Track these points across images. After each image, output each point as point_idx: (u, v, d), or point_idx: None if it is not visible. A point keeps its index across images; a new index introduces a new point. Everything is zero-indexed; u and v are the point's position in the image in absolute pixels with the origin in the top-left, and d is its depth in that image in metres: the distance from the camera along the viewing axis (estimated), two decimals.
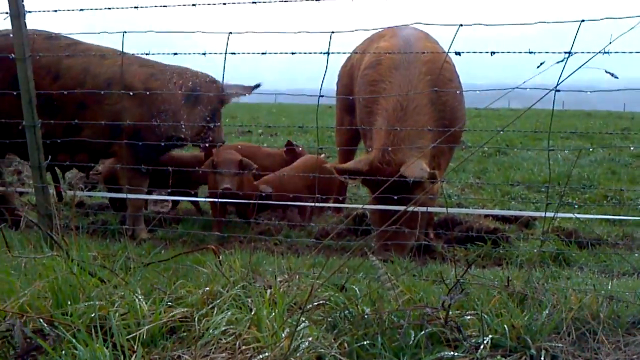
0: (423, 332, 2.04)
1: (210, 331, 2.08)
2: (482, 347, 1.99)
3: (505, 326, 2.13)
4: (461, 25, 2.72)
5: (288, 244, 4.39)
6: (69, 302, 2.24)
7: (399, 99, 4.11)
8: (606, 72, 2.24)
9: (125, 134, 4.17)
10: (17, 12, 3.29)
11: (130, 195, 4.22)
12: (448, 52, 2.71)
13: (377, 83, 4.38)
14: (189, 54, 3.11)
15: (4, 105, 4.08)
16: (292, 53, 2.96)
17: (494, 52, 2.82)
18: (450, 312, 2.11)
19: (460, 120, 4.37)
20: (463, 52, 2.81)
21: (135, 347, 1.99)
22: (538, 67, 2.23)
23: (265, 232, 4.75)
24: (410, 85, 4.15)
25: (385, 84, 4.30)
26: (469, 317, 2.23)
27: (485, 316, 2.18)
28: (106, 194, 4.95)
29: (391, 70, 4.34)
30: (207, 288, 2.45)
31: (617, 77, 2.25)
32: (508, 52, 2.94)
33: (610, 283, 2.91)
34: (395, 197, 3.55)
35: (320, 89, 2.88)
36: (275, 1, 2.89)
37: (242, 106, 27.48)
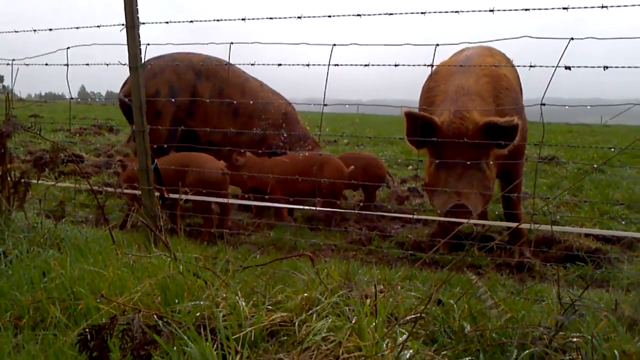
0: (527, 351, 1.98)
1: (311, 337, 2.10)
2: None
3: (616, 352, 2.03)
4: (572, 38, 2.64)
5: (380, 254, 4.39)
6: (177, 301, 2.34)
7: (463, 85, 4.11)
8: None
9: None
10: (132, 23, 3.48)
11: (231, 200, 4.35)
12: (557, 65, 2.63)
13: (432, 89, 4.42)
14: (293, 64, 3.18)
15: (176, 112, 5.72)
16: (396, 65, 2.96)
17: (607, 67, 2.71)
18: (557, 333, 2.04)
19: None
20: (574, 67, 2.71)
21: (239, 347, 2.04)
22: None
23: (357, 241, 4.76)
24: (467, 82, 4.14)
25: (441, 86, 4.33)
26: (575, 340, 2.15)
27: (593, 340, 2.09)
28: (203, 198, 5.11)
29: (447, 77, 4.36)
30: (306, 294, 2.47)
31: None
32: (622, 67, 2.82)
33: None
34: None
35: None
36: (380, 14, 2.91)
37: (325, 117, 27.74)
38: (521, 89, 4.88)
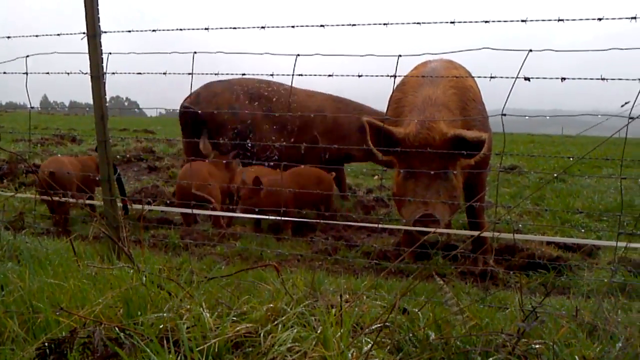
0: (490, 359, 2.00)
1: (276, 348, 2.09)
2: None
3: (576, 357, 2.07)
4: (531, 50, 2.69)
5: (346, 263, 4.39)
6: (139, 313, 2.30)
7: (430, 95, 4.17)
8: None
9: None
10: (93, 32, 3.42)
11: (196, 211, 4.31)
12: (517, 76, 2.68)
13: (400, 100, 4.47)
14: (257, 74, 3.17)
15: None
16: (359, 76, 2.97)
17: (565, 78, 2.77)
18: (519, 340, 2.07)
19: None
20: (532, 78, 2.76)
21: (203, 359, 2.02)
22: (622, 106, 2.19)
23: (323, 251, 4.76)
24: (435, 93, 4.19)
25: (409, 97, 4.39)
26: (537, 346, 2.18)
27: (555, 346, 2.12)
28: (169, 209, 5.06)
29: (415, 87, 4.42)
30: (271, 305, 2.46)
31: None
32: (579, 79, 2.89)
33: None
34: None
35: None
36: (343, 25, 2.93)
37: None
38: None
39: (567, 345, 2.18)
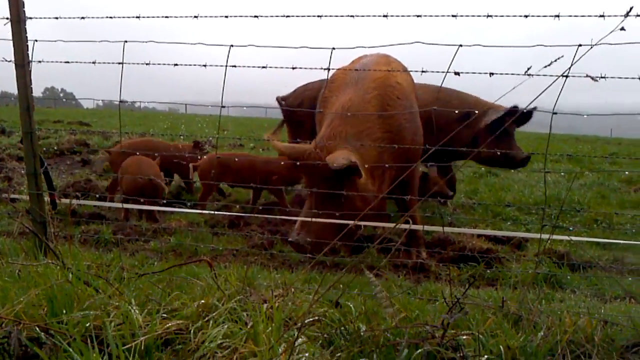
0: (419, 350, 2.04)
1: (207, 344, 2.07)
2: None
3: (501, 347, 2.13)
4: (461, 45, 2.75)
5: (282, 258, 4.38)
6: (64, 311, 2.23)
7: (345, 104, 4.24)
8: (587, 75, 2.28)
9: None
10: (17, 17, 3.28)
11: (126, 205, 4.21)
12: (447, 71, 2.73)
13: (326, 100, 4.56)
14: (190, 65, 3.11)
15: None
16: (293, 68, 2.96)
17: (493, 73, 2.84)
18: (446, 332, 2.12)
19: (409, 140, 4.39)
20: (462, 72, 2.83)
21: (131, 358, 1.97)
22: (525, 73, 2.28)
23: (258, 245, 4.74)
24: (356, 96, 4.27)
25: (334, 98, 4.47)
26: (464, 337, 2.23)
27: (481, 336, 2.18)
28: (99, 203, 4.93)
29: (341, 86, 4.49)
30: (203, 301, 2.43)
31: (597, 80, 2.30)
32: (506, 74, 2.96)
33: (603, 307, 2.92)
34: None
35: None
36: (277, 16, 2.91)
37: (232, 120, 27.49)
38: (416, 96, 5.06)
39: (493, 336, 2.24)
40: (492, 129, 5.82)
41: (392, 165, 4.05)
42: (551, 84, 2.32)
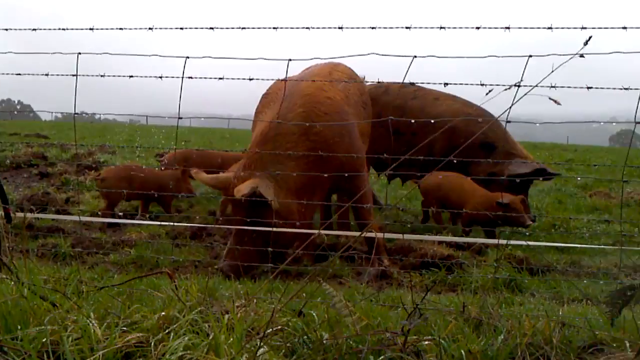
0: (382, 357, 2.05)
1: (167, 357, 2.04)
2: None
3: (462, 351, 2.16)
4: (415, 56, 2.78)
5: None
6: (19, 327, 2.17)
7: (266, 126, 4.31)
8: (550, 98, 2.34)
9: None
10: None
11: (83, 218, 4.14)
12: (403, 82, 2.77)
13: (258, 114, 4.68)
14: (145, 77, 3.08)
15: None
16: (250, 79, 2.95)
17: (447, 84, 2.89)
18: (408, 338, 2.13)
19: (342, 153, 4.39)
20: (417, 83, 2.87)
21: None
22: (487, 94, 2.32)
23: (220, 256, 4.70)
24: (282, 114, 4.30)
25: (262, 114, 4.57)
26: (426, 343, 2.26)
27: (443, 342, 2.21)
28: (56, 216, 4.83)
29: (273, 101, 4.57)
30: (163, 313, 2.40)
31: (560, 104, 2.36)
32: (460, 84, 3.01)
33: (561, 309, 2.99)
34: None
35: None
36: (233, 28, 2.91)
37: (195, 130, 27.29)
38: (364, 104, 5.13)
39: (454, 341, 2.27)
40: (512, 180, 5.47)
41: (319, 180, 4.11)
42: (512, 94, 2.37)
